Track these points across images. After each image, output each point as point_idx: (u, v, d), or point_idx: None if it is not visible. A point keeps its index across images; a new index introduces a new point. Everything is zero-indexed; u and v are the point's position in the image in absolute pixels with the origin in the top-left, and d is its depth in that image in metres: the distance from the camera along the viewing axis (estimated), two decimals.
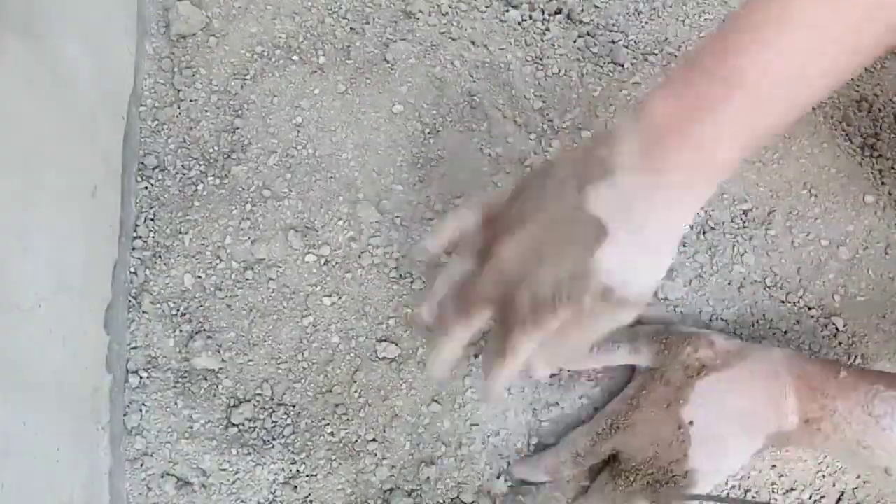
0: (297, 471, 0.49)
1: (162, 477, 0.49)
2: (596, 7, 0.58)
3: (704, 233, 0.53)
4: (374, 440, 0.50)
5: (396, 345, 0.51)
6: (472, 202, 0.41)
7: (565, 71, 0.56)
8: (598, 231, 0.35)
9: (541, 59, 0.56)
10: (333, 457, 0.50)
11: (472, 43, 0.56)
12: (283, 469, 0.49)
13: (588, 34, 0.57)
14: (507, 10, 0.57)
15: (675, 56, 0.57)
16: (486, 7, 0.57)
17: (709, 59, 0.33)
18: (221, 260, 0.52)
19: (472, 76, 0.56)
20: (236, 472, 0.49)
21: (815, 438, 0.43)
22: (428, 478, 0.49)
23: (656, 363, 0.45)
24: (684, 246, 0.53)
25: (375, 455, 0.50)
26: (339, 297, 0.52)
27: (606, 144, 0.35)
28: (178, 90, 0.55)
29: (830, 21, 0.32)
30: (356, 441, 0.50)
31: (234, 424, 0.50)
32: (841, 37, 0.32)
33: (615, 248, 0.35)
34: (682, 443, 0.43)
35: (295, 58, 0.56)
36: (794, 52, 0.32)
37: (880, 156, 0.55)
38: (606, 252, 0.35)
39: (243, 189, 0.53)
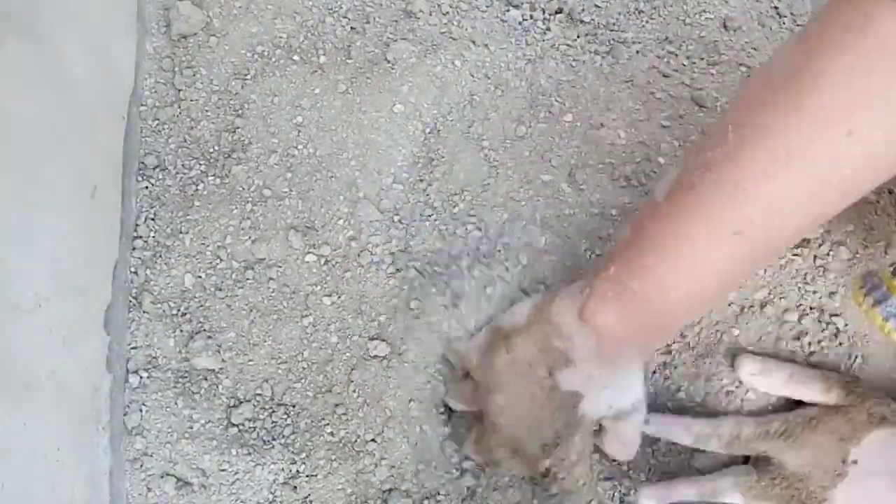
0: (297, 471, 0.49)
1: (162, 477, 0.49)
2: (597, 6, 0.57)
3: None
4: (373, 440, 0.50)
5: (386, 342, 0.51)
6: (451, 351, 0.50)
7: (566, 70, 0.56)
8: (575, 398, 0.44)
9: (541, 59, 0.56)
10: (333, 457, 0.50)
11: (473, 43, 0.56)
12: (282, 469, 0.49)
13: (588, 34, 0.57)
14: (508, 10, 0.57)
15: (676, 55, 0.57)
16: (487, 7, 0.57)
17: (634, 250, 0.42)
18: (222, 260, 0.52)
19: (472, 76, 0.56)
20: (236, 473, 0.49)
21: None
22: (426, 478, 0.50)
23: (842, 402, 0.46)
24: None
25: (375, 455, 0.50)
26: (339, 297, 0.52)
27: (561, 338, 0.44)
28: (179, 90, 0.55)
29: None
30: (356, 441, 0.50)
31: (234, 424, 0.50)
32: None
33: (594, 400, 0.44)
34: (838, 475, 0.44)
35: (295, 57, 0.56)
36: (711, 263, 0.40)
37: None
38: (585, 405, 0.44)
39: (244, 189, 0.53)
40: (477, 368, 0.47)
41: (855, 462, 0.44)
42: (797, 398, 0.47)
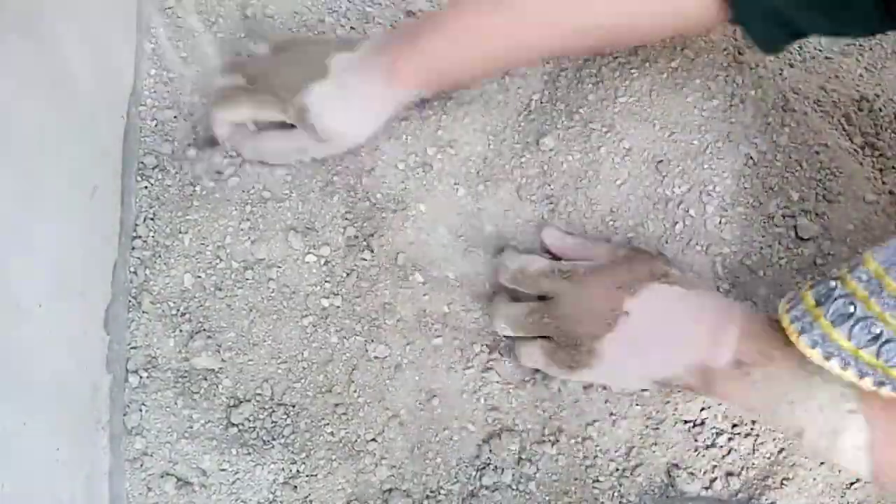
0: (297, 471, 0.49)
1: (162, 477, 0.49)
2: None
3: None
4: (373, 440, 0.50)
5: (386, 344, 0.51)
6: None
7: (564, 68, 0.56)
8: (322, 72, 0.49)
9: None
10: (333, 457, 0.50)
11: None
12: (282, 469, 0.49)
13: None
14: None
15: None
16: None
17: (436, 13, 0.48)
18: (221, 260, 0.52)
19: None
20: (236, 472, 0.49)
21: (744, 385, 0.42)
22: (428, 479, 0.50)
23: (627, 258, 0.48)
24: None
25: (375, 455, 0.50)
26: (339, 297, 0.52)
27: (361, 40, 0.51)
28: (178, 90, 0.55)
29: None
30: (356, 441, 0.50)
31: (233, 424, 0.50)
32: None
33: (324, 87, 0.49)
34: (608, 324, 0.44)
35: None
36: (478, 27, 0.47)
37: (881, 155, 0.55)
38: (318, 85, 0.49)
39: (243, 190, 0.53)
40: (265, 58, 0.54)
41: (627, 313, 0.44)
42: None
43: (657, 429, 0.50)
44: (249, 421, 0.50)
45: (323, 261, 0.52)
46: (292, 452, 0.49)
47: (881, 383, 0.37)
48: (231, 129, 0.52)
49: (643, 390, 0.49)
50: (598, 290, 0.45)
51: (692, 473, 0.50)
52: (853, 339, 0.37)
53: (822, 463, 0.50)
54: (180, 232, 0.52)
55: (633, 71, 0.55)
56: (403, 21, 0.55)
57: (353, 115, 0.50)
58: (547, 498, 0.50)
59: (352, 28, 0.56)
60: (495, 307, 0.49)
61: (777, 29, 0.45)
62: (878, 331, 0.37)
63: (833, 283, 0.39)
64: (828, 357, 0.38)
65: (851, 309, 0.37)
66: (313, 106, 0.48)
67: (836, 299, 0.38)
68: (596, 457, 0.50)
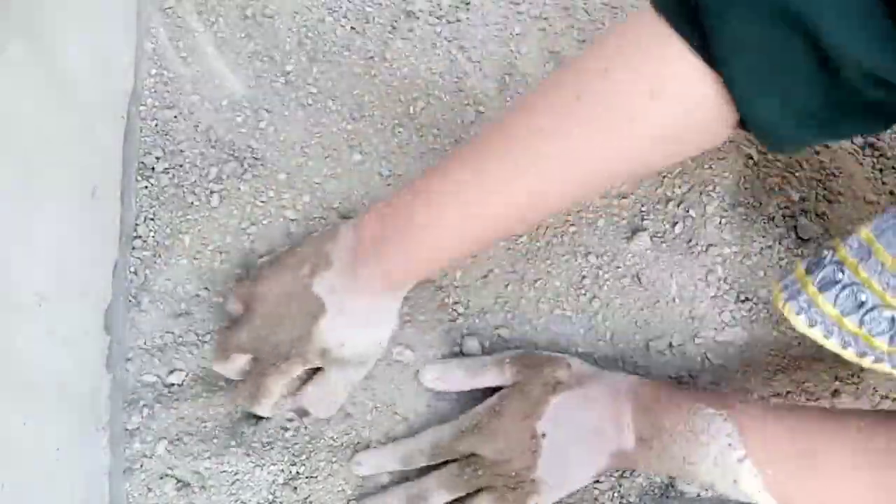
0: (297, 472, 0.49)
1: (161, 478, 0.49)
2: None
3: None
4: (378, 441, 0.50)
5: (405, 345, 0.51)
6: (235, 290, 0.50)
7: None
8: (318, 307, 0.46)
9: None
10: (333, 458, 0.50)
11: (473, 42, 0.56)
12: (282, 470, 0.49)
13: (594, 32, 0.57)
14: (511, 8, 0.57)
15: None
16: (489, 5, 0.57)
17: (416, 187, 0.44)
18: (222, 261, 0.52)
19: (472, 73, 0.56)
20: (235, 474, 0.49)
21: (650, 457, 0.45)
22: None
23: (518, 379, 0.48)
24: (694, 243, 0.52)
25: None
26: None
27: (332, 240, 0.47)
28: (179, 89, 0.55)
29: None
30: (357, 443, 0.50)
31: (233, 425, 0.50)
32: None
33: (329, 321, 0.46)
34: (534, 453, 0.45)
35: (294, 58, 0.56)
36: (479, 208, 0.42)
37: (881, 155, 0.55)
38: (322, 323, 0.46)
39: (244, 189, 0.53)
40: (253, 281, 0.49)
41: (543, 435, 0.46)
42: (484, 387, 0.49)
43: None
44: (250, 422, 0.50)
45: None
46: (292, 454, 0.49)
47: (863, 354, 0.37)
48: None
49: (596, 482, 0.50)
50: (509, 428, 0.46)
51: None
52: (838, 306, 0.37)
53: None
54: (180, 232, 0.52)
55: None
56: (366, 217, 0.46)
57: (369, 327, 0.47)
58: None
59: (352, 28, 0.56)
60: (420, 483, 0.47)
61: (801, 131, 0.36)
62: (863, 298, 0.36)
63: (825, 252, 0.38)
64: (812, 325, 0.38)
65: (839, 276, 0.37)
66: (332, 343, 0.46)
67: (825, 266, 0.38)
68: None
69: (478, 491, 0.46)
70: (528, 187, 0.40)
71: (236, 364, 0.48)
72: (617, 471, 0.50)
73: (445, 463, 0.47)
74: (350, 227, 0.47)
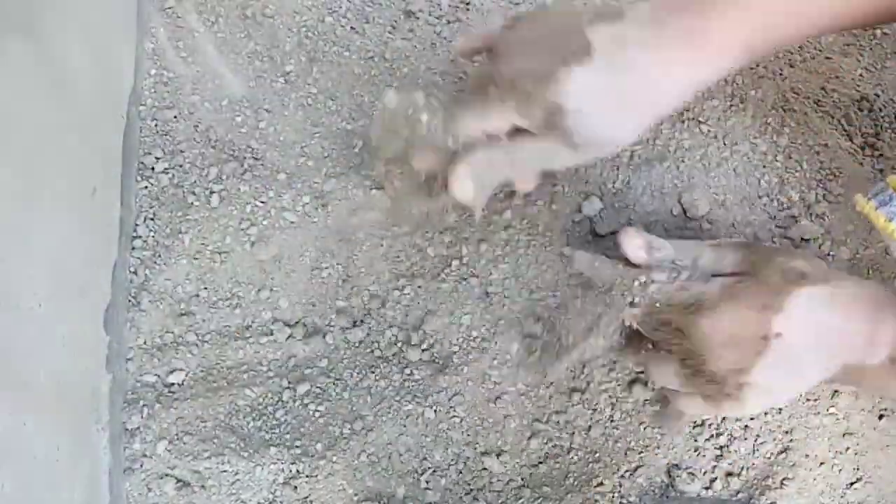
0: (297, 471, 0.49)
1: (161, 478, 0.49)
2: None
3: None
4: (380, 442, 0.50)
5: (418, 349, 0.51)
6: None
7: None
8: (583, 50, 0.35)
9: None
10: (334, 458, 0.50)
11: None
12: (282, 470, 0.49)
13: None
14: (510, 9, 0.57)
15: None
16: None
17: None
18: (222, 261, 0.52)
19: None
20: (236, 473, 0.49)
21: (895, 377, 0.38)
22: (429, 483, 0.49)
23: (744, 268, 0.40)
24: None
25: (377, 457, 0.50)
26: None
27: (623, 8, 0.37)
28: (179, 89, 0.55)
29: None
30: (358, 443, 0.50)
31: (234, 425, 0.50)
32: None
33: (589, 74, 0.35)
34: (758, 353, 0.38)
35: (294, 59, 0.56)
36: None
37: (881, 155, 0.55)
38: (578, 73, 0.35)
39: (244, 189, 0.53)
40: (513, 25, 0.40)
41: (778, 335, 0.38)
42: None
43: (657, 428, 0.50)
44: (251, 421, 0.50)
45: None
46: (292, 453, 0.49)
47: None
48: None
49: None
50: (739, 318, 0.38)
51: (692, 473, 0.50)
52: None
53: (822, 463, 0.50)
54: (180, 232, 0.52)
55: None
56: None
57: (630, 110, 0.37)
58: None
59: (352, 28, 0.56)
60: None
61: None
62: None
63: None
64: None
65: None
66: (573, 102, 0.36)
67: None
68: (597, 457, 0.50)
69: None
70: None
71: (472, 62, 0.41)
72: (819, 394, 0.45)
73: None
74: None
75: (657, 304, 0.40)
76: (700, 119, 0.54)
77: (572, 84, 0.36)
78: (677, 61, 0.36)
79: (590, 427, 0.50)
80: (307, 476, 0.49)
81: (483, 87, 0.38)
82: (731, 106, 0.54)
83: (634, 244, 0.41)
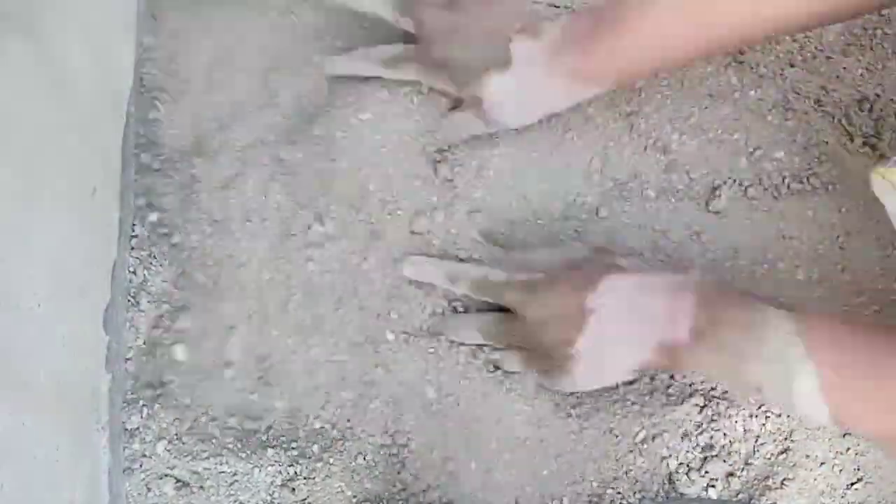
0: (295, 473, 0.49)
1: (161, 478, 0.49)
2: None
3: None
4: (380, 444, 0.50)
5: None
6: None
7: None
8: (505, 63, 0.48)
9: None
10: (332, 459, 0.49)
11: None
12: (280, 472, 0.49)
13: None
14: None
15: None
16: None
17: None
18: (222, 262, 0.52)
19: None
20: (234, 474, 0.49)
21: (702, 353, 0.44)
22: (428, 486, 0.50)
23: (580, 255, 0.49)
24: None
25: (375, 460, 0.50)
26: (342, 302, 0.52)
27: (550, 20, 0.49)
28: (179, 89, 0.55)
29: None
30: (358, 454, 0.50)
31: (232, 426, 0.50)
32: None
33: (504, 81, 0.48)
34: (578, 329, 0.45)
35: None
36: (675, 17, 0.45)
37: (881, 155, 0.55)
38: (496, 80, 0.48)
39: (244, 190, 0.53)
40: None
41: (593, 310, 0.45)
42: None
43: (656, 428, 0.50)
44: (248, 422, 0.50)
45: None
46: (290, 455, 0.49)
47: None
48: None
49: (629, 383, 0.50)
50: (561, 296, 0.46)
51: (692, 474, 0.49)
52: None
53: (822, 463, 0.50)
54: (179, 232, 0.52)
55: None
56: (585, 10, 0.51)
57: (526, 108, 0.50)
58: None
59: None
60: (460, 319, 0.50)
61: None
62: None
63: None
64: None
65: None
66: (492, 96, 0.49)
67: None
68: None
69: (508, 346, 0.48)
70: None
71: (398, 69, 0.51)
72: (664, 402, 0.50)
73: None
74: (570, 14, 0.51)
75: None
76: (703, 127, 0.54)
77: (493, 86, 0.49)
78: (563, 84, 0.48)
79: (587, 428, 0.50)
80: (305, 478, 0.49)
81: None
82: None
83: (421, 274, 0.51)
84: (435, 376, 0.50)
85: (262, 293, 0.52)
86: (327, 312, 0.51)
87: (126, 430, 0.50)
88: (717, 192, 0.53)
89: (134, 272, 0.52)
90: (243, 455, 0.49)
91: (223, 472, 0.49)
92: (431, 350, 0.51)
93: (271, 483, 0.49)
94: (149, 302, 0.51)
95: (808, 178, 0.54)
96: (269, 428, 0.50)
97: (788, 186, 0.53)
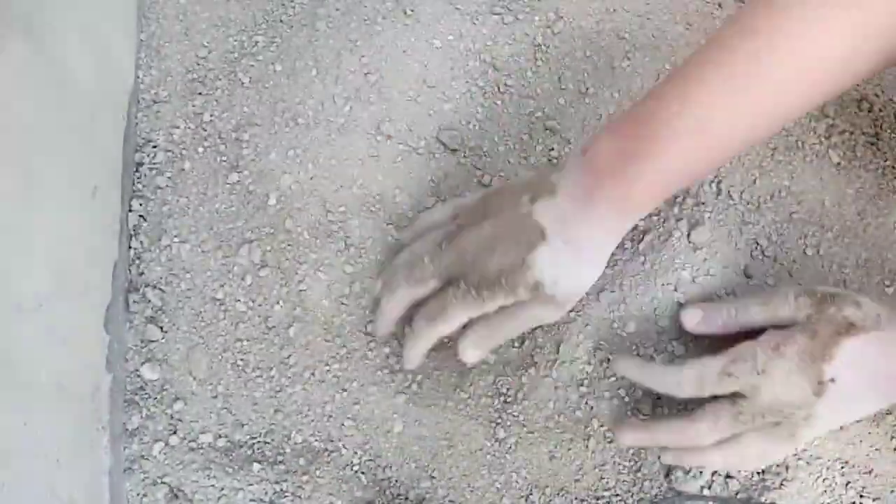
0: (282, 490, 0.49)
1: (155, 484, 0.49)
2: None
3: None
4: (369, 460, 0.50)
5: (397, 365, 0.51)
6: (446, 203, 0.50)
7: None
8: (538, 235, 0.43)
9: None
10: (318, 472, 0.49)
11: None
12: (265, 490, 0.49)
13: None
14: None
15: None
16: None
17: (649, 109, 0.42)
18: (222, 262, 0.52)
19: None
20: (222, 489, 0.49)
21: None
22: (424, 497, 0.50)
23: (810, 312, 0.44)
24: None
25: (364, 474, 0.50)
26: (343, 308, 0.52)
27: (557, 170, 0.45)
28: (179, 89, 0.55)
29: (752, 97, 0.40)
30: (346, 461, 0.50)
31: (224, 436, 0.50)
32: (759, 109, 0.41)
33: (550, 252, 0.43)
34: (818, 397, 0.42)
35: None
36: (722, 115, 0.41)
37: (881, 155, 0.55)
38: (542, 252, 0.43)
39: (245, 190, 0.53)
40: (468, 206, 0.47)
41: (832, 380, 0.42)
42: (755, 327, 0.46)
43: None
44: (238, 435, 0.50)
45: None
46: (276, 470, 0.49)
47: None
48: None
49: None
50: (794, 370, 0.42)
51: (691, 474, 0.50)
52: None
53: (822, 464, 0.50)
54: (181, 232, 0.52)
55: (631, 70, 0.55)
56: (597, 143, 0.43)
57: (587, 264, 0.44)
58: None
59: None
60: (693, 417, 0.45)
61: None
62: None
63: None
64: None
65: None
66: (546, 276, 0.43)
67: None
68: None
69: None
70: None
71: (424, 290, 0.45)
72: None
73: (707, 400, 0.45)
74: (576, 156, 0.44)
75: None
76: None
77: (540, 263, 0.43)
78: (610, 223, 0.43)
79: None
80: (292, 494, 0.49)
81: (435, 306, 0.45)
82: None
83: (695, 317, 0.48)
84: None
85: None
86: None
87: (126, 430, 0.50)
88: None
89: (133, 272, 0.52)
90: (232, 470, 0.49)
91: (212, 485, 0.49)
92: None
93: (260, 500, 0.49)
94: (146, 303, 0.52)
95: None
96: (254, 442, 0.50)
97: None
